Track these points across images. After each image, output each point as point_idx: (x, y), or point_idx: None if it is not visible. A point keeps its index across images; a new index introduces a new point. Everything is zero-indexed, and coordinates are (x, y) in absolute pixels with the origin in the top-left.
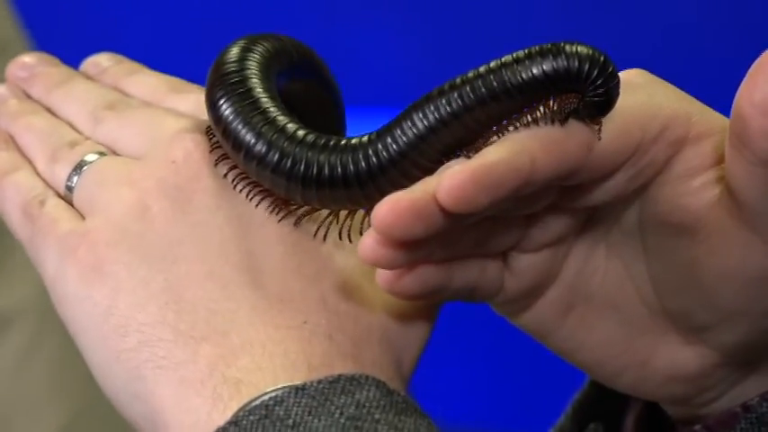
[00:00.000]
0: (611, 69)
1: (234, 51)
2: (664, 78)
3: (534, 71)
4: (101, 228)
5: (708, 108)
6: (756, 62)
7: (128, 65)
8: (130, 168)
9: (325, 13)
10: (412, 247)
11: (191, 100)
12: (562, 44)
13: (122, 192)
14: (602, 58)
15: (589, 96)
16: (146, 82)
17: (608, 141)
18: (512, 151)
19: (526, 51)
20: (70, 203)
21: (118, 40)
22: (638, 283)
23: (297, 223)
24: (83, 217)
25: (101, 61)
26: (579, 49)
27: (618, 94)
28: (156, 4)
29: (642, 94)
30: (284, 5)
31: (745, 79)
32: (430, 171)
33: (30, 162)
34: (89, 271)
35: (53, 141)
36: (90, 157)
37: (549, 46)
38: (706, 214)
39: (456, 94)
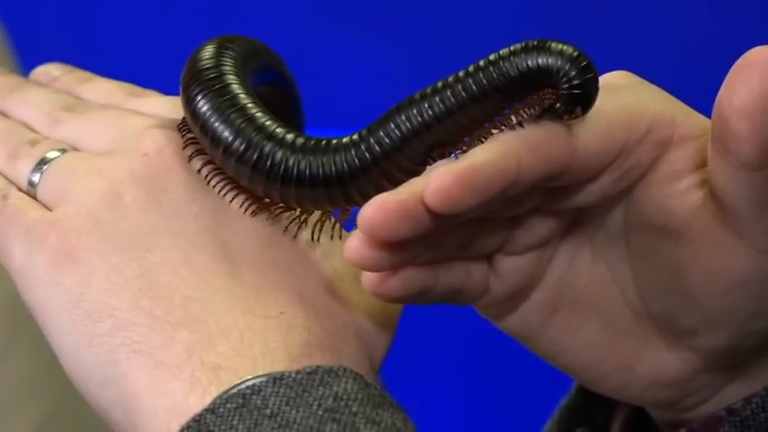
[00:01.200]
0: (585, 63)
1: (209, 49)
2: (648, 80)
3: (509, 70)
4: (71, 216)
5: (692, 110)
6: (735, 65)
7: (79, 73)
8: (100, 161)
9: (300, 35)
10: (398, 249)
11: (150, 103)
12: (534, 41)
13: (93, 182)
14: (575, 53)
15: (565, 90)
16: (101, 88)
17: (593, 143)
18: (498, 153)
19: (498, 53)
20: (33, 198)
21: (101, 51)
22: (622, 286)
23: (270, 219)
24: (49, 209)
25: (51, 71)
26: (552, 45)
27: (597, 89)
28: (136, 19)
29: (627, 95)
30: (257, 27)
31: (725, 82)
32: (412, 173)
33: None
34: (60, 257)
35: (12, 140)
36: (52, 154)
37: (520, 45)
38: (690, 217)
39: (438, 98)
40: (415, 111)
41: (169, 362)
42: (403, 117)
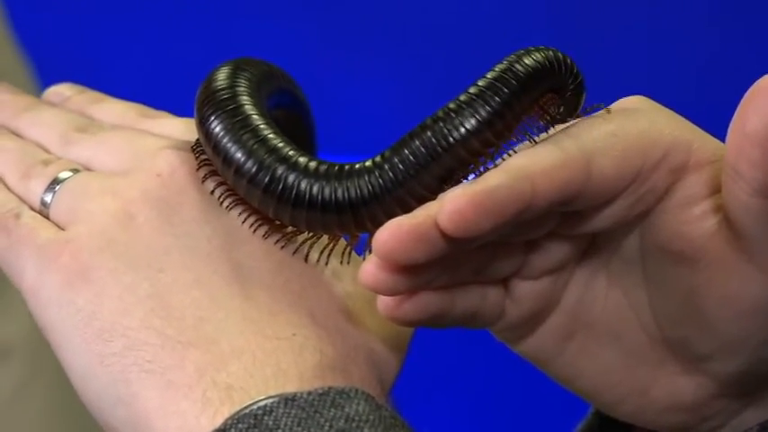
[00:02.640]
0: (568, 60)
1: (224, 70)
2: (663, 104)
3: (514, 78)
4: (84, 235)
5: (708, 135)
6: (748, 92)
7: (92, 94)
8: (113, 181)
9: (310, 63)
10: (413, 273)
11: (164, 124)
12: (521, 51)
13: (106, 202)
14: (559, 54)
15: (570, 84)
16: (113, 108)
17: (609, 167)
18: (512, 176)
19: (494, 69)
20: (46, 218)
21: (117, 73)
22: (638, 311)
23: (281, 242)
24: (61, 229)
25: (63, 91)
26: (541, 49)
27: (584, 89)
28: (151, 43)
29: (643, 120)
30: (270, 53)
31: (738, 109)
32: (425, 200)
33: (1, 180)
34: (73, 277)
35: (26, 160)
36: (65, 174)
37: (513, 56)
38: (705, 243)
39: (448, 124)
40: (427, 137)
41: (180, 382)
42: (417, 143)
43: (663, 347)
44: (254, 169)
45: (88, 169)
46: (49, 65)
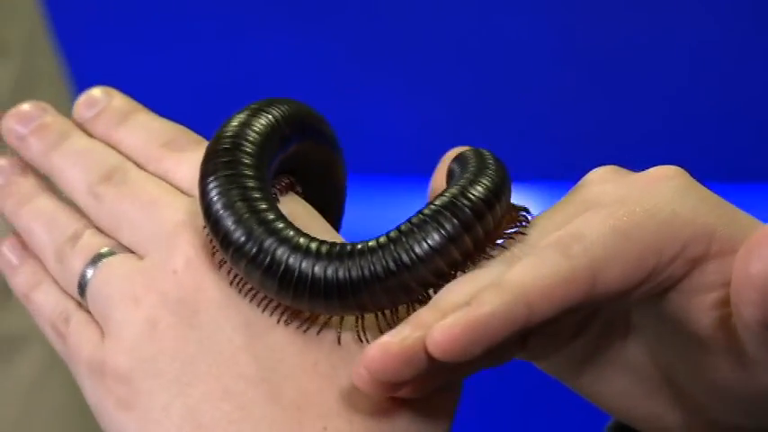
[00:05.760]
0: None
1: (226, 139)
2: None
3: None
4: (117, 354)
5: (737, 215)
6: (755, 236)
7: (119, 105)
8: (133, 281)
9: (333, 82)
10: (404, 384)
11: (185, 168)
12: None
13: (129, 311)
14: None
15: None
16: (138, 135)
17: (617, 274)
18: (506, 302)
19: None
20: (86, 308)
21: (154, 72)
22: (654, 353)
23: (303, 326)
24: (101, 329)
25: (94, 99)
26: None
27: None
28: (181, 54)
29: (665, 211)
30: (292, 74)
31: (743, 248)
32: (428, 284)
33: (40, 260)
34: (120, 401)
35: (56, 238)
36: (89, 272)
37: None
38: (713, 333)
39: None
40: (432, 228)
41: None
42: (423, 233)
43: (675, 386)
44: (252, 251)
45: (114, 236)
46: (87, 67)
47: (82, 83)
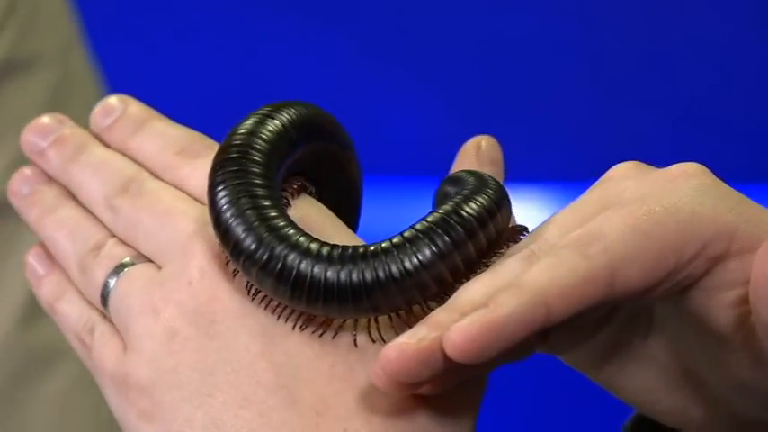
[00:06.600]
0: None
1: (233, 148)
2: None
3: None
4: (139, 367)
5: (758, 213)
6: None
7: (135, 113)
8: (152, 293)
9: (346, 82)
10: (422, 383)
11: (201, 170)
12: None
13: (148, 324)
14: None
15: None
16: (153, 143)
17: (637, 273)
18: (524, 302)
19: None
20: (110, 318)
21: (182, 74)
22: (673, 350)
23: (318, 331)
24: (123, 340)
25: (111, 104)
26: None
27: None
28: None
29: (686, 210)
30: (306, 74)
31: (765, 245)
32: (442, 283)
33: (64, 270)
34: (143, 413)
35: (79, 248)
36: (111, 281)
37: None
38: (732, 331)
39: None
40: (440, 235)
41: None
42: (439, 231)
43: (698, 379)
44: (263, 259)
45: (134, 245)
46: (119, 68)
47: (116, 87)
